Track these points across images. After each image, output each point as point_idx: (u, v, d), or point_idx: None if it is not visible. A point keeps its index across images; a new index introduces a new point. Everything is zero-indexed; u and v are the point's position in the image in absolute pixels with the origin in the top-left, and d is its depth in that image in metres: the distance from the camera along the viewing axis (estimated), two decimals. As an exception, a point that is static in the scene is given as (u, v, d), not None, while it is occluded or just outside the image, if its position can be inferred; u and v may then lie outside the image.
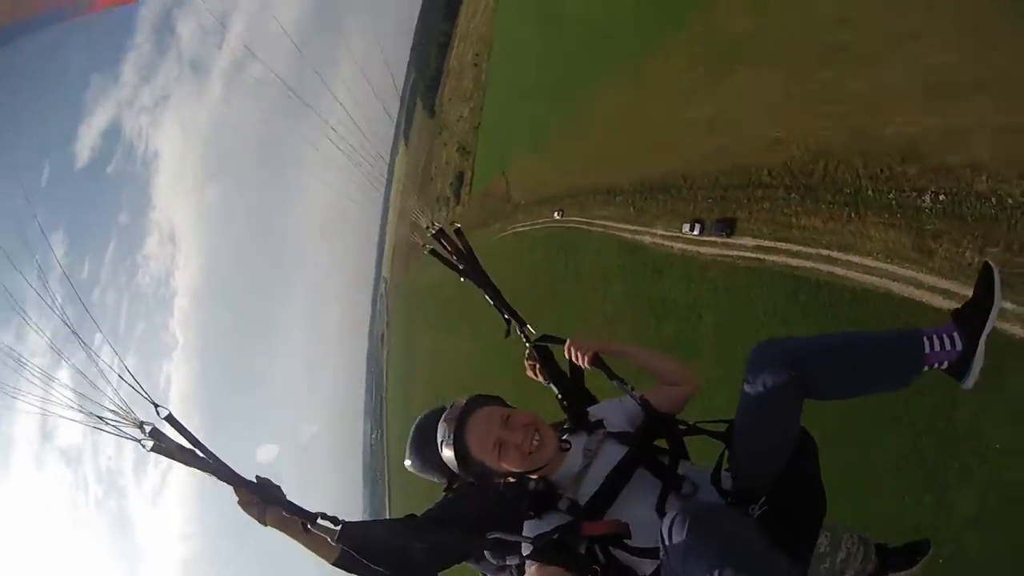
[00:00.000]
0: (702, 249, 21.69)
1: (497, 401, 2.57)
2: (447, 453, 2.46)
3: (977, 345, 2.21)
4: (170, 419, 2.26)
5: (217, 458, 2.31)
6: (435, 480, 3.09)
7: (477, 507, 2.66)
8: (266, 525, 2.36)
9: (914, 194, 13.30)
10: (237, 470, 2.33)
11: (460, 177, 73.67)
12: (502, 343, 3.03)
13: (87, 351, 2.28)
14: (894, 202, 13.83)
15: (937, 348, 2.21)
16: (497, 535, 2.35)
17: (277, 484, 2.38)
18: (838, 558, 2.42)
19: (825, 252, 15.69)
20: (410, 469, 3.17)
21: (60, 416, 2.18)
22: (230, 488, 2.34)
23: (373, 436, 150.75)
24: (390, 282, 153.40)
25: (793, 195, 17.33)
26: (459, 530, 2.54)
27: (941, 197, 12.56)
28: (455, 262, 3.06)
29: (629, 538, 2.20)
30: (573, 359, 2.73)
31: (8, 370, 2.22)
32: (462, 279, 3.06)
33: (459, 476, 2.82)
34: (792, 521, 2.24)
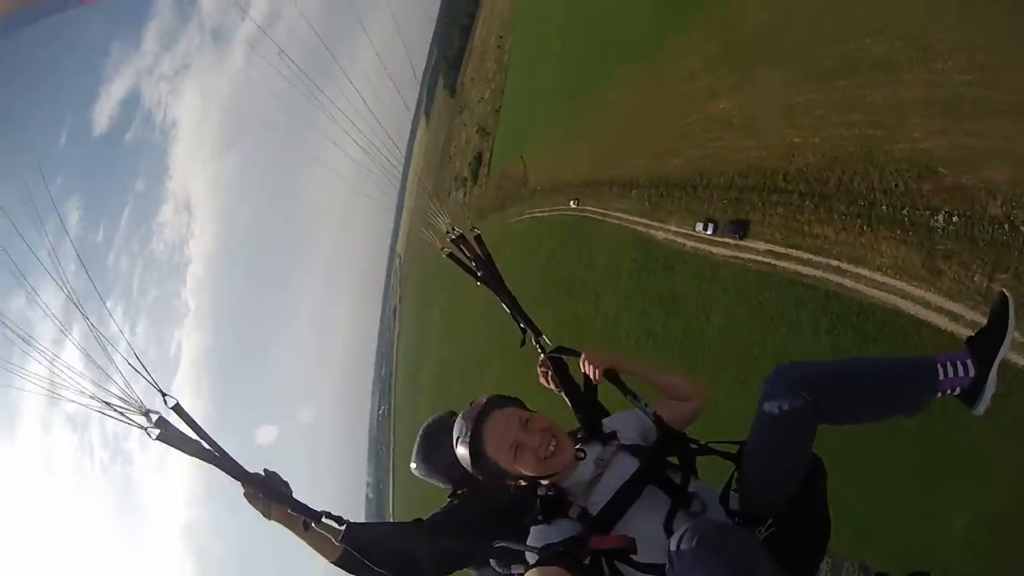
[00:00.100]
0: (714, 249, 21.57)
1: (517, 403, 2.52)
2: (462, 451, 2.41)
3: (989, 372, 2.25)
4: (177, 409, 2.25)
5: (223, 451, 2.31)
6: (439, 485, 3.10)
7: (483, 514, 2.68)
8: (270, 519, 2.37)
9: (927, 212, 13.15)
10: (244, 458, 2.33)
11: (479, 158, 73.01)
12: (512, 324, 3.02)
13: (96, 336, 2.24)
14: (907, 219, 13.69)
15: (951, 374, 2.25)
16: (503, 543, 2.36)
17: (284, 480, 2.39)
18: None
19: (835, 263, 15.59)
20: (415, 472, 3.16)
21: (67, 399, 2.17)
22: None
23: (381, 410, 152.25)
24: (404, 258, 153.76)
25: (807, 202, 17.15)
26: (465, 537, 2.57)
27: (954, 218, 12.41)
28: (473, 268, 3.06)
29: (635, 553, 2.20)
30: (587, 372, 2.75)
31: (15, 349, 2.21)
32: (478, 284, 3.06)
33: (464, 483, 2.94)
34: (798, 544, 2.25)
